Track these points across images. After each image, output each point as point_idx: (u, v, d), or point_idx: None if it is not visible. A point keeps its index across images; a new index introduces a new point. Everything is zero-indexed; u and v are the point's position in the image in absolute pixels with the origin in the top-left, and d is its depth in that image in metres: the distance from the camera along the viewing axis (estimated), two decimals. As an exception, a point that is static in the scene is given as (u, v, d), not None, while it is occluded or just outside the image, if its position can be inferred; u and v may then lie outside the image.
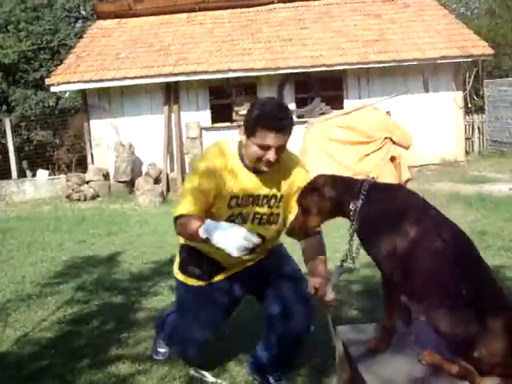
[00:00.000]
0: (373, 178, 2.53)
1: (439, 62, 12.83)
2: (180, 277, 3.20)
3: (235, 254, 2.45)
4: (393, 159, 9.28)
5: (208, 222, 2.60)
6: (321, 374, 3.31)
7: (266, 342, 3.17)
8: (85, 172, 13.23)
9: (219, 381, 3.30)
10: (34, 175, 14.39)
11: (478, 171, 12.51)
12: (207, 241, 2.55)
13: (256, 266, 3.13)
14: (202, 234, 2.56)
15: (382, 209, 2.34)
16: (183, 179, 12.65)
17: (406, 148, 9.85)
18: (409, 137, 9.74)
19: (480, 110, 16.62)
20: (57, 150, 16.32)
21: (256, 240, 2.46)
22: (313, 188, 2.51)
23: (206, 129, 13.11)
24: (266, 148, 2.74)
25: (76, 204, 11.91)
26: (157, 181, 12.61)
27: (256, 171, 2.89)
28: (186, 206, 2.80)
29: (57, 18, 20.45)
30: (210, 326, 3.14)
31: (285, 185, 2.97)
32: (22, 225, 9.64)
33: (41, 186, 13.56)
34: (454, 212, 8.39)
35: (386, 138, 9.32)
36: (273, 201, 2.97)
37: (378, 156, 9.29)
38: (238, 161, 2.90)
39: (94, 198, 12.41)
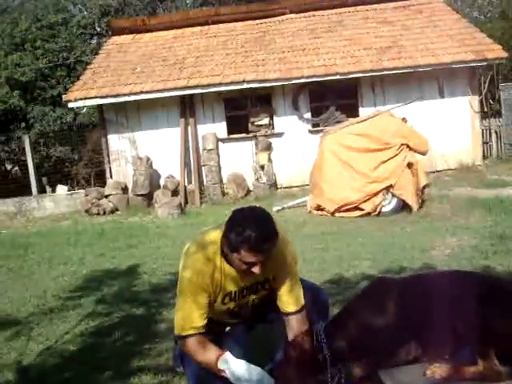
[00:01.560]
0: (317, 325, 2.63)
1: (454, 66, 12.77)
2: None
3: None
4: (410, 165, 9.21)
5: (227, 355, 2.71)
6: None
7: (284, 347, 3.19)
8: (103, 186, 13.34)
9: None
10: (53, 191, 14.55)
11: (496, 175, 12.40)
12: (223, 373, 2.68)
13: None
14: (220, 366, 2.70)
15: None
16: (201, 191, 12.73)
17: (423, 154, 9.79)
18: (425, 143, 9.67)
19: (497, 113, 16.49)
20: (75, 165, 16.47)
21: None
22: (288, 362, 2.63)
23: (223, 140, 13.18)
24: (251, 264, 2.69)
25: (95, 218, 12.01)
26: (175, 193, 12.67)
27: None
28: (184, 321, 2.80)
29: (72, 35, 20.72)
30: None
31: (274, 265, 2.90)
32: (42, 240, 9.74)
33: (60, 201, 13.70)
34: (473, 217, 8.36)
35: (402, 144, 9.25)
36: (267, 285, 2.97)
37: (395, 162, 9.23)
38: (224, 263, 2.84)
39: (112, 211, 12.50)
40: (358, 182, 9.38)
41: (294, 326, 2.91)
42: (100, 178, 14.85)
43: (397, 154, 9.29)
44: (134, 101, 12.93)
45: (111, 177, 13.41)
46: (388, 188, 9.29)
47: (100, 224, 11.06)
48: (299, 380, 2.57)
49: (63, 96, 13.61)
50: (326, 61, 13.01)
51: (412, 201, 9.13)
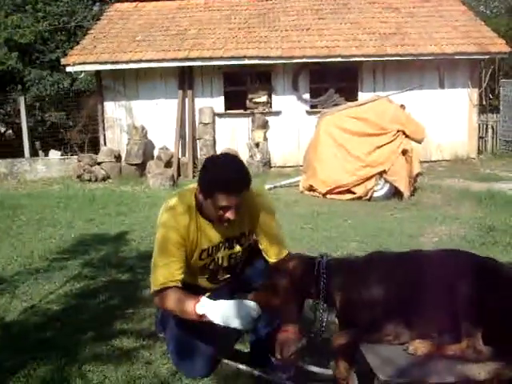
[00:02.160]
0: (323, 257, 2.56)
1: (456, 57, 12.76)
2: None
3: (243, 327, 2.63)
4: (404, 152, 9.22)
5: (204, 299, 2.68)
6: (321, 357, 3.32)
7: (266, 317, 3.18)
8: (97, 153, 13.28)
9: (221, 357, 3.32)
10: (46, 155, 14.47)
11: (489, 170, 12.46)
12: (203, 318, 2.65)
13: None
14: (200, 310, 2.66)
15: (349, 281, 2.45)
16: (194, 164, 12.71)
17: (419, 142, 9.79)
18: (422, 131, 9.67)
19: (495, 109, 16.50)
20: (70, 131, 16.38)
21: (256, 311, 2.59)
22: (279, 271, 2.59)
23: (220, 115, 13.13)
24: (225, 208, 2.72)
25: (87, 184, 11.97)
26: (168, 164, 12.64)
27: None
28: (163, 276, 2.78)
29: (75, 0, 20.45)
30: (212, 339, 3.07)
31: (250, 220, 2.96)
32: (32, 202, 9.69)
33: (53, 165, 13.64)
34: (464, 208, 8.39)
35: (398, 130, 9.25)
36: (243, 239, 3.00)
37: (390, 148, 9.23)
38: (199, 216, 2.87)
39: (104, 179, 12.47)
40: (352, 165, 9.38)
41: None
42: (94, 145, 14.78)
43: (392, 140, 9.29)
44: (133, 69, 12.86)
45: (105, 144, 13.36)
46: (381, 173, 9.31)
47: (91, 190, 11.03)
48: (285, 303, 2.58)
49: (61, 60, 13.50)
50: (329, 42, 12.96)
51: (404, 187, 9.16)
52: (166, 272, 2.80)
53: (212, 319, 2.67)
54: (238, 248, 3.02)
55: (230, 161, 2.78)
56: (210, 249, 2.94)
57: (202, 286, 3.09)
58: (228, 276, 3.14)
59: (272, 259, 2.97)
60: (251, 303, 2.64)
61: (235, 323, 2.63)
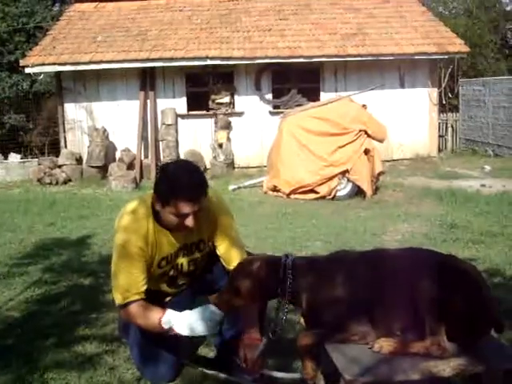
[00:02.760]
0: (289, 257, 2.54)
1: (416, 57, 12.96)
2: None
3: (209, 333, 2.67)
4: (367, 152, 9.31)
5: (169, 313, 2.68)
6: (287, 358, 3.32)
7: (230, 319, 3.17)
8: (57, 156, 13.06)
9: (186, 361, 3.29)
10: (5, 159, 14.16)
11: (450, 167, 12.67)
12: (170, 331, 2.66)
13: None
14: (165, 325, 2.65)
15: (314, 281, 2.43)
16: (157, 166, 12.59)
17: (381, 141, 9.90)
18: (383, 130, 9.78)
19: (454, 108, 16.80)
20: (30, 134, 16.08)
21: (219, 315, 2.61)
22: (244, 272, 2.52)
23: (182, 116, 13.05)
24: (183, 216, 2.67)
25: (48, 188, 11.77)
26: (130, 167, 12.50)
27: None
28: (126, 289, 2.74)
29: (34, 0, 20.10)
30: (175, 343, 2.97)
31: (209, 225, 2.92)
32: (-9, 206, 9.50)
33: (12, 168, 13.37)
34: (426, 206, 8.53)
35: (360, 130, 9.33)
36: (202, 245, 2.96)
37: (352, 148, 9.30)
38: (156, 225, 2.81)
39: (66, 182, 12.27)
40: (315, 164, 9.43)
41: None
42: (54, 148, 14.54)
43: (354, 140, 9.37)
44: (94, 70, 12.67)
45: (66, 147, 13.14)
46: (344, 173, 9.38)
47: (52, 194, 10.85)
48: (248, 305, 2.57)
49: (21, 61, 13.24)
50: (291, 43, 13.00)
51: (367, 186, 9.25)
52: (129, 285, 2.74)
53: (179, 332, 2.67)
54: (197, 254, 2.98)
55: (185, 167, 2.74)
56: (170, 256, 2.89)
57: (162, 291, 3.04)
58: (187, 279, 3.11)
59: (232, 264, 2.89)
60: (213, 308, 2.63)
61: (201, 331, 2.65)
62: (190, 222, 2.69)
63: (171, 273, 2.96)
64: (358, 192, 9.44)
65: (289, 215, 8.08)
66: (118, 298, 2.77)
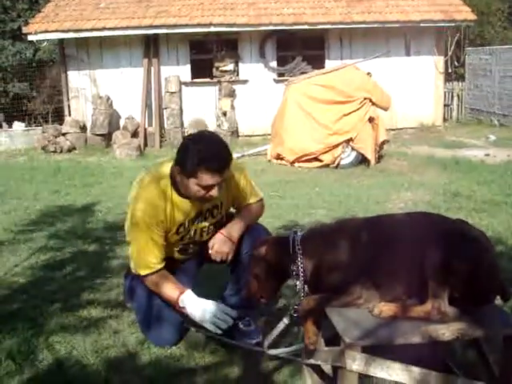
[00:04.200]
0: (297, 233, 2.57)
1: (422, 25, 12.81)
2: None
3: (211, 328, 2.81)
4: (371, 120, 9.27)
5: (188, 294, 2.81)
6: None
7: (233, 286, 3.22)
8: (61, 124, 13.04)
9: (189, 325, 3.33)
10: (10, 127, 14.14)
11: (454, 137, 12.61)
12: (182, 309, 2.82)
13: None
14: (181, 303, 2.81)
15: (323, 255, 2.44)
16: (161, 133, 12.59)
17: (385, 109, 9.85)
18: (388, 98, 9.72)
19: (460, 77, 16.64)
20: (34, 102, 16.01)
21: (230, 320, 2.79)
22: (255, 259, 2.57)
23: (186, 84, 12.98)
24: (208, 187, 2.70)
25: (52, 156, 11.77)
26: (134, 134, 12.50)
27: None
28: (148, 260, 2.83)
29: (36, -34, 19.84)
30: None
31: (223, 192, 2.95)
32: (-4, 174, 9.53)
33: (16, 136, 13.35)
34: (429, 175, 8.51)
35: (365, 98, 9.27)
36: (215, 211, 3.00)
37: (357, 116, 9.25)
38: (175, 194, 2.85)
39: (70, 150, 12.26)
40: (319, 133, 9.39)
41: (251, 207, 3.12)
42: (58, 116, 14.50)
43: (359, 108, 9.32)
44: (97, 37, 12.58)
45: (70, 115, 13.12)
46: (348, 141, 9.35)
47: (56, 162, 10.85)
48: (267, 284, 2.58)
49: (23, 28, 13.14)
50: (296, 9, 12.85)
51: (371, 155, 9.24)
52: (150, 255, 2.83)
53: (189, 314, 2.81)
54: (210, 220, 3.02)
55: (211, 139, 2.74)
56: (186, 222, 2.94)
57: (172, 257, 3.09)
58: (196, 248, 3.14)
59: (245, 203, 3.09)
60: (229, 310, 2.82)
61: (209, 323, 2.81)
62: (214, 192, 2.73)
63: (185, 240, 3.02)
64: (361, 160, 9.43)
65: (292, 183, 8.08)
66: (137, 266, 2.86)
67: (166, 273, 2.90)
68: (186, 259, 3.16)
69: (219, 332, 2.82)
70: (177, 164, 2.75)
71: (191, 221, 2.96)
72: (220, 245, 2.96)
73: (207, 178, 2.66)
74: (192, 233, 3.03)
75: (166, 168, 2.88)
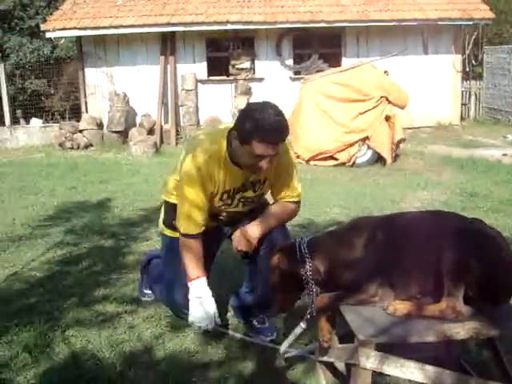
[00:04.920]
0: (302, 238, 2.59)
1: (439, 23, 12.71)
2: (166, 232, 3.23)
3: (192, 322, 2.93)
4: (387, 119, 9.23)
5: (201, 282, 2.88)
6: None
7: (249, 284, 3.23)
8: (78, 121, 13.13)
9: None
10: (27, 124, 14.26)
11: (472, 136, 12.52)
12: (187, 288, 2.89)
13: (238, 220, 3.18)
14: (190, 284, 2.88)
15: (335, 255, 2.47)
16: (177, 131, 12.63)
17: (402, 108, 9.79)
18: (405, 97, 9.66)
19: (478, 76, 16.50)
20: (51, 99, 16.13)
21: (211, 326, 2.90)
22: (271, 271, 2.59)
23: (202, 81, 13.00)
24: (260, 157, 2.68)
25: (69, 152, 11.86)
26: (150, 132, 12.55)
27: None
28: (194, 222, 2.87)
29: (54, -36, 19.96)
30: None
31: (272, 172, 2.94)
32: (13, 170, 9.61)
33: (34, 133, 13.47)
34: (446, 174, 8.46)
35: (381, 96, 9.23)
36: (257, 185, 3.00)
37: (373, 114, 9.22)
38: (228, 159, 2.85)
39: (86, 146, 12.35)
40: (335, 131, 9.37)
41: (285, 204, 3.07)
42: (75, 113, 14.59)
43: (375, 106, 9.28)
44: (114, 35, 12.64)
45: (87, 111, 13.19)
46: (364, 139, 9.33)
47: (73, 158, 10.94)
48: (280, 292, 2.60)
49: (41, 25, 13.24)
50: (313, 7, 12.82)
51: (387, 154, 9.20)
52: (192, 220, 2.87)
53: (190, 301, 2.89)
54: (250, 193, 3.01)
55: (272, 110, 2.69)
56: (232, 190, 2.95)
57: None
58: (228, 219, 3.15)
59: (276, 198, 3.08)
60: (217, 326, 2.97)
61: (192, 323, 2.96)
62: (265, 164, 2.71)
63: (222, 208, 3.04)
64: (377, 159, 9.40)
65: (308, 181, 8.05)
66: (182, 227, 2.90)
67: (200, 246, 2.92)
68: (207, 230, 3.10)
69: (204, 326, 2.93)
70: (234, 129, 2.74)
71: (236, 190, 2.96)
72: (239, 243, 2.99)
73: (261, 148, 2.63)
74: (232, 202, 3.03)
75: (225, 131, 2.87)
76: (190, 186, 2.83)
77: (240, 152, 2.74)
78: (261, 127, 2.60)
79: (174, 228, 3.08)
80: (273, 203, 3.11)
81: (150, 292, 3.70)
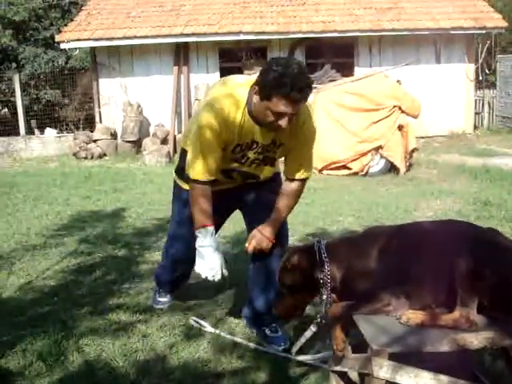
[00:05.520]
0: (320, 242, 2.58)
1: (452, 32, 12.69)
2: (178, 180, 3.24)
3: (200, 273, 2.88)
4: (400, 128, 9.21)
5: (207, 231, 2.84)
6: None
7: (254, 287, 3.26)
8: (92, 131, 13.23)
9: (217, 331, 3.35)
10: (42, 134, 14.38)
11: (485, 145, 12.45)
12: (194, 235, 2.87)
13: (250, 191, 3.20)
14: (197, 232, 2.85)
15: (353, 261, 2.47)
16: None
17: (415, 117, 9.76)
18: (418, 106, 9.64)
19: (491, 85, 16.45)
20: (65, 109, 16.27)
21: (217, 277, 2.86)
22: (290, 269, 2.55)
23: (215, 92, 13.03)
24: (280, 115, 2.64)
25: (83, 162, 11.95)
26: (164, 141, 12.60)
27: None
28: (205, 168, 2.82)
29: (68, -24, 20.18)
30: None
31: (290, 137, 2.91)
32: (28, 180, 9.68)
33: (48, 143, 13.58)
34: (459, 183, 8.42)
35: (394, 106, 9.22)
36: (271, 146, 2.95)
37: (386, 124, 9.21)
38: (246, 112, 2.80)
39: (100, 156, 12.44)
40: (348, 140, 9.36)
41: (293, 190, 3.05)
42: (89, 123, 14.70)
43: (388, 116, 9.27)
44: (128, 45, 12.76)
45: (100, 121, 13.30)
46: (377, 149, 9.31)
47: (87, 168, 11.01)
48: (300, 296, 2.59)
49: (56, 36, 13.38)
50: (325, 17, 12.87)
51: (400, 163, 9.18)
52: (205, 166, 2.82)
53: (196, 249, 2.88)
54: (264, 154, 2.97)
55: (296, 66, 2.63)
56: (245, 145, 2.90)
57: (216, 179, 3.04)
58: (238, 179, 3.12)
59: (290, 176, 3.04)
60: (226, 272, 2.90)
61: (204, 272, 2.88)
62: (284, 123, 2.66)
63: (234, 164, 2.99)
64: (390, 168, 9.37)
65: (321, 190, 8.07)
66: (191, 173, 2.86)
67: (209, 195, 2.87)
68: (224, 190, 3.12)
69: (210, 277, 2.89)
70: (256, 83, 2.70)
71: (249, 145, 2.91)
72: (258, 242, 3.03)
73: (280, 105, 2.59)
74: (244, 159, 2.98)
75: (248, 85, 2.83)
76: (205, 131, 2.78)
77: (260, 108, 2.69)
78: (283, 83, 2.55)
79: (184, 178, 3.06)
80: (281, 193, 3.08)
81: (163, 300, 3.71)
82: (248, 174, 3.09)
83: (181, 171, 3.11)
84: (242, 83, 2.88)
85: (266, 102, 2.63)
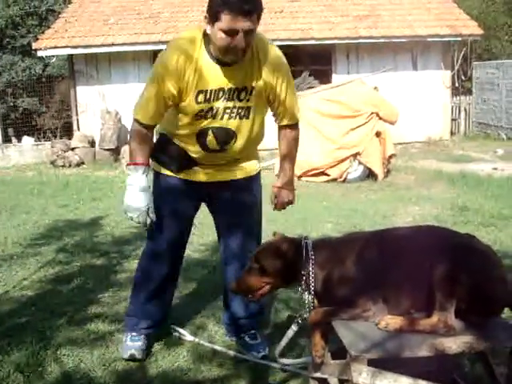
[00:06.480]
0: (306, 237, 2.57)
1: (429, 39, 12.85)
2: (153, 165, 3.15)
3: (126, 212, 2.93)
4: (378, 134, 9.29)
5: (139, 168, 2.87)
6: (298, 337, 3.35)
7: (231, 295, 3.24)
8: (70, 139, 13.13)
9: (197, 339, 3.34)
10: (19, 142, 14.26)
11: (462, 151, 12.61)
12: (127, 172, 2.93)
13: (224, 188, 3.12)
14: (127, 169, 2.93)
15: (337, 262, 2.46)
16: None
17: (392, 123, 9.85)
18: (395, 112, 9.73)
19: (468, 92, 16.66)
20: (43, 117, 16.15)
21: (142, 219, 2.90)
22: (274, 251, 2.52)
23: (194, 99, 13.03)
24: (232, 33, 2.56)
25: (61, 170, 11.86)
26: (142, 149, 12.54)
27: (225, 64, 2.74)
28: (145, 112, 2.85)
29: (45, -17, 20.05)
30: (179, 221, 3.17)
31: (258, 77, 2.83)
32: (5, 188, 9.58)
33: (26, 151, 13.46)
34: (437, 189, 8.51)
35: (372, 112, 9.30)
36: (243, 94, 2.84)
37: (364, 130, 9.28)
38: (205, 53, 2.74)
39: (78, 164, 12.35)
40: (326, 147, 9.41)
41: (288, 136, 3.16)
42: (67, 131, 14.61)
43: (366, 122, 9.34)
44: (106, 53, 12.70)
45: (78, 129, 13.22)
46: (355, 155, 9.37)
47: (65, 176, 10.92)
48: (272, 280, 2.55)
49: (33, 44, 13.28)
50: (303, 25, 12.96)
51: (378, 169, 9.25)
52: (145, 108, 2.85)
53: (127, 184, 2.93)
54: (236, 103, 2.85)
55: None
56: (208, 92, 2.79)
57: (192, 153, 3.00)
58: (215, 146, 2.94)
59: (283, 123, 3.10)
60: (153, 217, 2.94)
61: (130, 211, 2.93)
62: (239, 41, 2.59)
63: (205, 119, 2.86)
64: (369, 175, 9.44)
65: (299, 197, 7.96)
66: (134, 111, 2.91)
67: (149, 139, 2.94)
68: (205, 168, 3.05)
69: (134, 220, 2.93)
70: (206, 12, 2.65)
71: (215, 93, 2.79)
72: (284, 196, 3.18)
73: (230, 20, 2.53)
74: (214, 111, 2.83)
75: (200, 26, 2.81)
76: (154, 77, 2.80)
77: (213, 34, 2.62)
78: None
79: (158, 161, 3.09)
80: (280, 141, 3.20)
81: (136, 344, 3.58)
82: (223, 134, 2.91)
83: (155, 153, 3.08)
84: (197, 26, 2.95)
85: (217, 23, 2.57)
